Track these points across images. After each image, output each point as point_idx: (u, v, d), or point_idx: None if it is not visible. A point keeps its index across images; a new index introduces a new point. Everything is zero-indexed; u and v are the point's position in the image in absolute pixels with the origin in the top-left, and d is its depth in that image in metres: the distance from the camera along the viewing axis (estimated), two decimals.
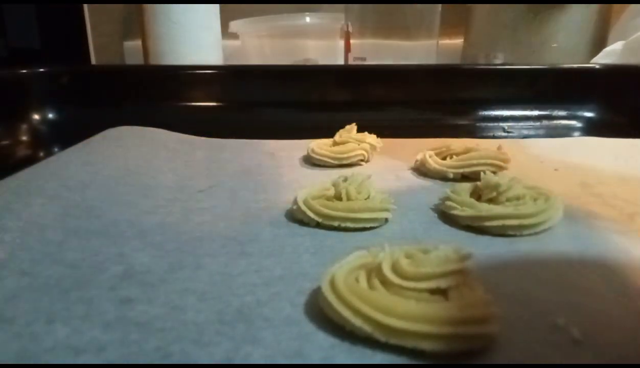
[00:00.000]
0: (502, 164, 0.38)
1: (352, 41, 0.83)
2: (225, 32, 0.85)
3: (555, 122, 0.61)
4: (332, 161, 0.42)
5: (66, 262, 0.24)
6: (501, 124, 0.60)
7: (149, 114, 0.55)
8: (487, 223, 0.28)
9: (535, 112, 0.61)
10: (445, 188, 0.33)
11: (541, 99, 0.61)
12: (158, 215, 0.31)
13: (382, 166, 0.42)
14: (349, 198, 0.30)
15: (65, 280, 0.23)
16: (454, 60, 0.93)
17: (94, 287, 0.22)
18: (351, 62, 0.83)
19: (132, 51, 1.03)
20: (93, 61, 1.01)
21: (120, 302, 0.21)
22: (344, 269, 0.21)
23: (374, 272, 0.20)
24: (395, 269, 0.20)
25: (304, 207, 0.29)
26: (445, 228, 0.30)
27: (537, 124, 0.60)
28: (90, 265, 0.24)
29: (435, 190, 0.35)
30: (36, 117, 0.56)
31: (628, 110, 0.58)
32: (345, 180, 0.31)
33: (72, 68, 0.61)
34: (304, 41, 0.86)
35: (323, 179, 0.33)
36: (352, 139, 0.44)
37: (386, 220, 0.30)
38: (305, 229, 0.29)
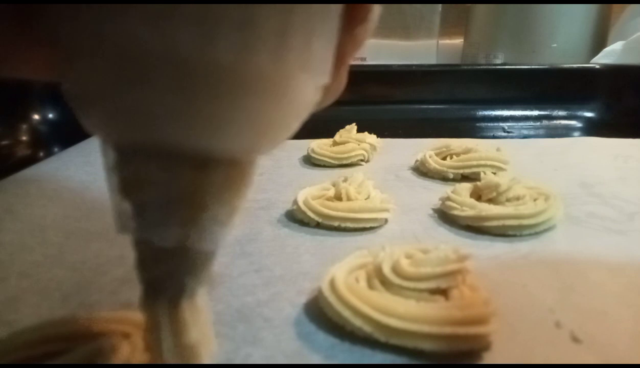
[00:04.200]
0: (501, 164, 0.38)
1: None
2: None
3: (555, 122, 0.61)
4: (332, 161, 0.42)
5: (67, 265, 0.24)
6: (501, 124, 0.60)
7: None
8: (487, 224, 0.28)
9: (535, 112, 0.61)
10: (445, 188, 0.33)
11: (541, 99, 0.62)
12: None
13: (382, 166, 0.42)
14: (349, 199, 0.30)
15: (66, 283, 0.23)
16: (454, 60, 0.93)
17: (95, 291, 0.22)
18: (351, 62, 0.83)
19: None
20: None
21: (121, 307, 0.21)
22: (344, 269, 0.21)
23: (374, 272, 0.20)
24: (395, 269, 0.20)
25: (304, 207, 0.29)
26: (445, 228, 0.30)
27: (537, 124, 0.60)
28: (91, 267, 0.24)
29: (435, 190, 0.35)
30: (36, 117, 0.56)
31: (628, 110, 0.58)
32: (345, 180, 0.31)
33: None
34: None
35: (323, 179, 0.33)
36: (352, 139, 0.44)
37: (386, 220, 0.30)
38: (305, 229, 0.29)
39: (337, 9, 0.14)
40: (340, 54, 0.15)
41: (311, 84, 0.13)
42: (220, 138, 0.12)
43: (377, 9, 0.16)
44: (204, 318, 0.15)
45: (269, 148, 0.14)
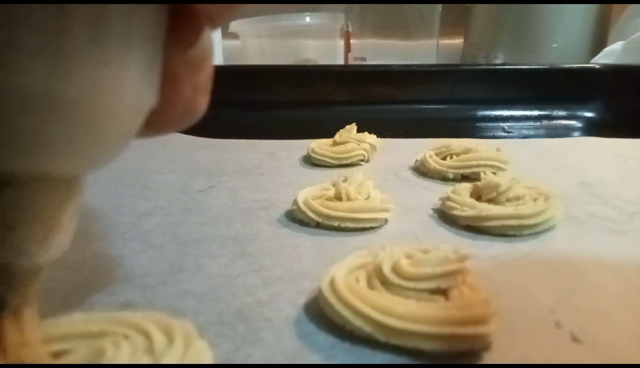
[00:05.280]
0: (501, 164, 0.38)
1: (352, 41, 0.83)
2: (225, 32, 0.85)
3: (555, 122, 0.61)
4: (332, 161, 0.42)
5: (67, 265, 0.24)
6: (501, 124, 0.60)
7: None
8: (487, 224, 0.28)
9: (535, 112, 0.61)
10: (445, 188, 0.33)
11: (541, 99, 0.62)
12: (158, 216, 0.31)
13: (382, 166, 0.42)
14: (349, 199, 0.30)
15: (66, 283, 0.23)
16: (454, 60, 0.93)
17: (95, 291, 0.22)
18: (351, 62, 0.83)
19: None
20: None
21: (121, 306, 0.21)
22: (344, 269, 0.21)
23: (374, 272, 0.20)
24: (395, 269, 0.20)
25: (304, 207, 0.29)
26: (445, 228, 0.30)
27: (537, 124, 0.60)
28: (91, 267, 0.24)
29: (435, 190, 0.35)
30: None
31: (628, 110, 0.58)
32: (345, 180, 0.31)
33: None
34: (304, 41, 0.86)
35: (323, 179, 0.33)
36: (352, 139, 0.44)
37: (386, 220, 0.30)
38: (305, 229, 0.29)
39: (155, 30, 0.13)
40: (171, 76, 0.15)
41: (129, 106, 0.13)
42: (20, 156, 0.12)
43: (207, 34, 0.15)
44: (31, 339, 0.14)
45: (86, 168, 0.14)
